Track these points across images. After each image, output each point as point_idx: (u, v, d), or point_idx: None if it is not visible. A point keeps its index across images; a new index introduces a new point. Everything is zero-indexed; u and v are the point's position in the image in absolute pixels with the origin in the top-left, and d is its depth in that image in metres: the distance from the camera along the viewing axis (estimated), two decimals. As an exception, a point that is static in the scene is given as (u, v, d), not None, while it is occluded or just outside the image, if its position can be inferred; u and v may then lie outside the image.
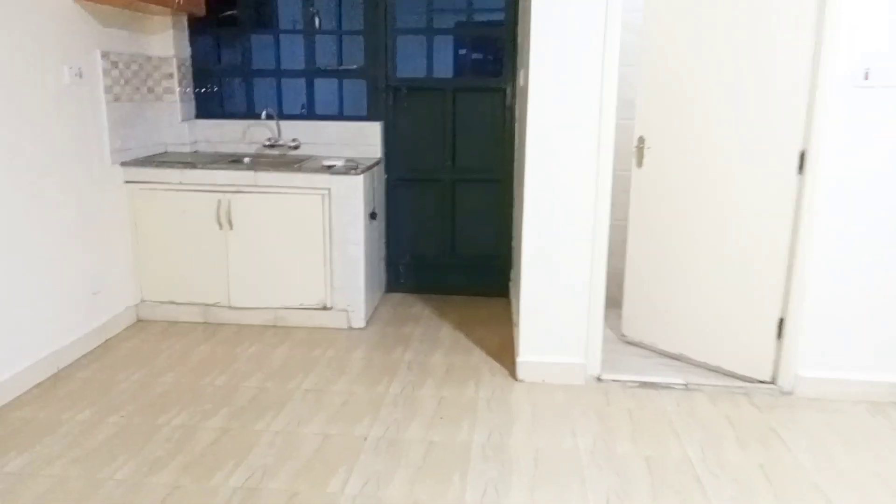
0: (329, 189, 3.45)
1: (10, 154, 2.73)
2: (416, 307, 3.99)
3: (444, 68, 3.99)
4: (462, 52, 4.00)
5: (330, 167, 3.48)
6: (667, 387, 2.91)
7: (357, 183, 3.43)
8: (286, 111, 4.10)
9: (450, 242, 4.19)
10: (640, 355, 3.20)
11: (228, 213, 3.50)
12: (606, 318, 3.56)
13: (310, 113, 4.10)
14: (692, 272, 3.04)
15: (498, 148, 4.01)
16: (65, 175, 3.07)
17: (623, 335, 3.38)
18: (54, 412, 2.64)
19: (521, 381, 2.99)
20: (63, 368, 3.04)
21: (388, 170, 4.10)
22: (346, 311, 3.59)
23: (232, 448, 2.40)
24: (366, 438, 2.49)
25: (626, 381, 2.95)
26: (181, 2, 3.45)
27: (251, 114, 4.01)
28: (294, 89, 4.10)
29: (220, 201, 3.50)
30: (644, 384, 2.93)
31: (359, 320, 3.60)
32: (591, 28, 2.67)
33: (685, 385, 2.90)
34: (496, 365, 3.16)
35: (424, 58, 3.98)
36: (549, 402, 2.79)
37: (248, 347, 3.33)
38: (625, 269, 3.35)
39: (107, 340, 3.39)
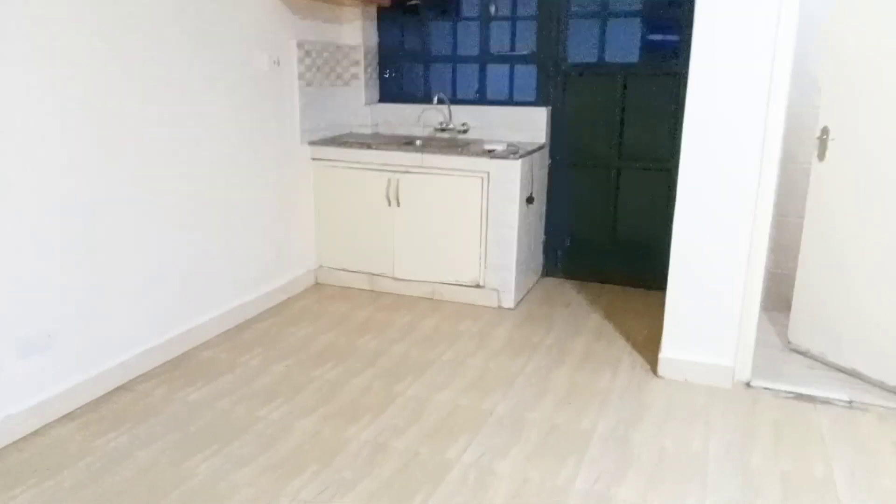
0: (488, 172, 3.56)
1: (220, 128, 3.19)
2: (570, 292, 3.98)
3: (616, 52, 3.90)
4: (637, 34, 3.87)
5: (490, 151, 3.58)
6: (826, 402, 2.64)
7: (514, 167, 3.51)
8: (459, 96, 4.27)
9: (611, 230, 4.10)
10: (803, 365, 2.93)
11: (397, 192, 3.77)
12: (774, 323, 3.31)
13: (481, 98, 4.24)
14: (873, 279, 2.71)
15: (668, 135, 3.84)
16: (261, 150, 3.52)
17: (788, 342, 3.10)
18: (233, 356, 3.07)
19: (661, 377, 2.90)
20: (247, 320, 3.51)
21: (552, 154, 4.12)
22: (496, 290, 3.70)
23: (369, 405, 2.64)
24: (492, 412, 2.58)
25: (779, 391, 2.72)
26: (365, -7, 3.74)
27: (427, 98, 4.23)
28: (468, 74, 4.26)
29: (389, 180, 3.77)
30: (800, 396, 2.69)
31: (508, 300, 3.69)
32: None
33: (849, 402, 2.61)
34: (639, 358, 3.08)
35: (597, 42, 3.91)
36: (686, 402, 2.68)
37: (404, 316, 3.57)
38: (796, 271, 3.07)
39: (287, 299, 3.83)
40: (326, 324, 3.46)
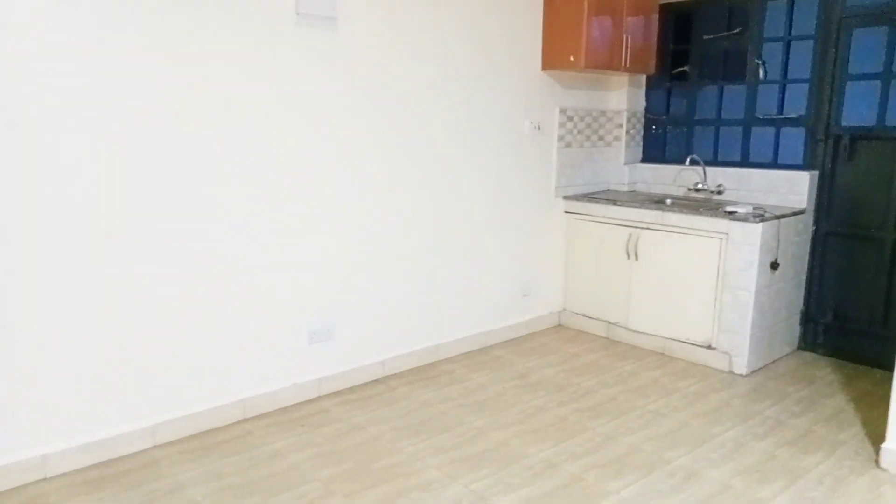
0: (727, 234, 3.59)
1: (483, 181, 3.84)
2: (823, 371, 3.70)
3: (898, 115, 3.58)
4: (925, 96, 3.50)
5: (731, 213, 3.60)
6: None
7: (755, 230, 3.48)
8: (721, 158, 4.31)
9: (883, 309, 3.70)
10: None
11: (636, 246, 3.99)
12: None
13: (743, 160, 4.22)
14: None
15: (958, 207, 3.38)
16: (519, 201, 4.08)
17: None
18: (467, 372, 3.63)
19: (883, 469, 2.63)
20: (489, 346, 4.05)
21: (817, 222, 3.90)
22: (728, 353, 3.65)
23: (559, 432, 2.94)
24: (670, 462, 2.68)
25: None
26: (627, 64, 4.08)
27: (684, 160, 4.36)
28: (732, 137, 4.28)
29: (630, 235, 4.01)
30: None
31: (740, 366, 3.61)
32: None
33: None
34: (867, 447, 2.81)
35: (876, 104, 3.65)
36: (900, 501, 2.42)
37: (628, 365, 3.75)
38: None
39: (529, 334, 4.30)
40: (553, 360, 3.83)
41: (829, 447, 2.81)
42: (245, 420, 2.99)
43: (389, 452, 2.73)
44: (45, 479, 2.49)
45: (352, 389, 3.36)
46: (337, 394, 3.31)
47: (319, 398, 3.25)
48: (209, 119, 2.73)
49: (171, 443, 2.77)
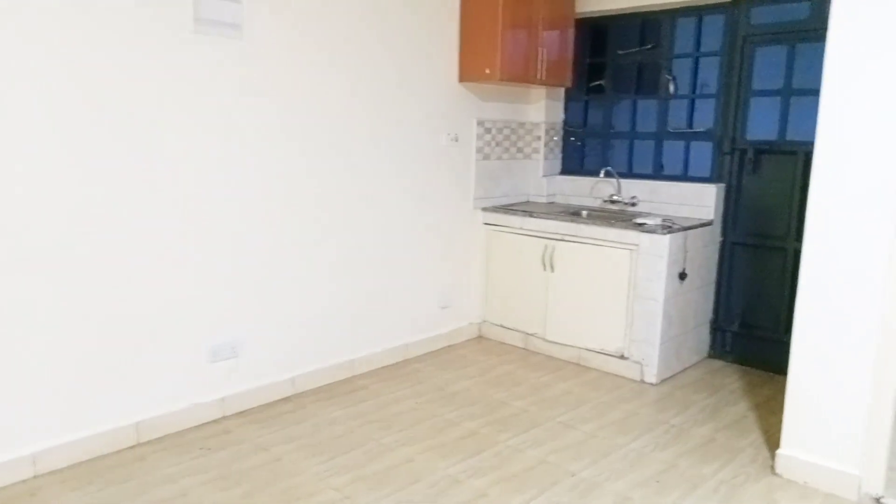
0: (637, 245, 3.65)
1: (404, 191, 3.80)
2: (729, 378, 3.79)
3: (798, 130, 3.72)
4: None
5: (640, 224, 3.67)
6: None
7: (663, 241, 3.54)
8: (636, 170, 4.39)
9: (786, 317, 3.83)
10: (964, 496, 2.49)
11: (552, 258, 4.02)
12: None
13: (655, 173, 4.31)
14: None
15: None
16: (437, 212, 4.06)
17: (960, 467, 2.65)
18: (382, 387, 3.57)
19: (777, 475, 2.70)
20: (407, 359, 4.00)
21: (724, 233, 4.01)
22: (640, 363, 3.70)
23: (467, 446, 2.91)
24: (573, 475, 2.68)
25: (912, 517, 2.38)
26: (543, 77, 4.12)
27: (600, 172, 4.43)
28: (645, 150, 4.37)
29: (546, 246, 4.04)
30: (937, 527, 2.32)
31: (651, 375, 3.67)
32: None
33: None
34: (765, 454, 2.89)
35: (778, 119, 3.79)
36: (790, 507, 2.48)
37: (542, 376, 3.76)
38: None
39: (450, 346, 4.27)
40: (470, 372, 3.81)
41: (728, 455, 2.87)
42: (139, 444, 2.85)
43: (290, 474, 2.65)
44: None
45: (259, 408, 3.26)
46: (242, 413, 3.19)
47: (223, 419, 3.13)
48: (107, 126, 2.60)
49: (54, 472, 2.61)
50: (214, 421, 3.10)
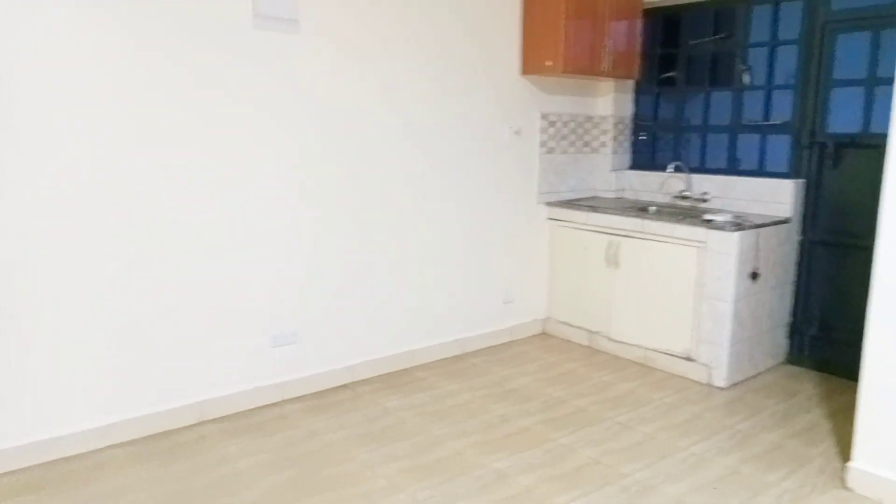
0: (705, 242, 3.50)
1: (465, 184, 3.80)
2: (805, 384, 3.58)
3: (884, 122, 3.45)
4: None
5: (709, 221, 3.51)
6: None
7: (732, 239, 3.38)
8: (709, 165, 4.21)
9: (870, 322, 3.57)
10: None
11: (616, 255, 3.91)
12: None
13: (730, 168, 4.12)
14: None
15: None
16: (499, 206, 4.03)
17: None
18: (438, 380, 3.58)
19: (848, 489, 2.52)
20: (468, 353, 3.99)
21: (804, 231, 3.79)
22: (707, 366, 3.55)
23: (520, 443, 2.87)
24: (626, 476, 2.60)
25: None
26: (609, 69, 4.01)
27: (674, 167, 4.26)
28: (719, 144, 4.19)
29: (610, 242, 3.94)
30: None
31: (719, 378, 3.51)
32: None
33: None
34: (836, 465, 2.70)
35: (861, 111, 3.54)
36: (861, 522, 2.31)
37: (605, 376, 3.67)
38: None
39: (511, 342, 4.23)
40: (529, 369, 3.76)
41: (795, 464, 2.71)
42: (201, 423, 2.98)
43: (340, 461, 2.69)
44: (-8, 479, 2.50)
45: (316, 395, 3.34)
46: (300, 399, 3.28)
47: (282, 402, 3.22)
48: (167, 123, 2.73)
49: (120, 445, 2.76)
50: (274, 404, 3.19)
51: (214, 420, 3.01)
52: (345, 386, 3.45)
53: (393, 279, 3.60)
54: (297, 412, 3.13)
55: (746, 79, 4.00)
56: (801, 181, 3.74)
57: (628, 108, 4.56)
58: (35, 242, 2.49)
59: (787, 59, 3.80)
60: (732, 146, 4.11)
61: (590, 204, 4.18)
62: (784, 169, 3.86)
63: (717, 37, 4.13)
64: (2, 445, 2.52)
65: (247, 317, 3.08)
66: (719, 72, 4.17)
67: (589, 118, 4.45)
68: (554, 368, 3.77)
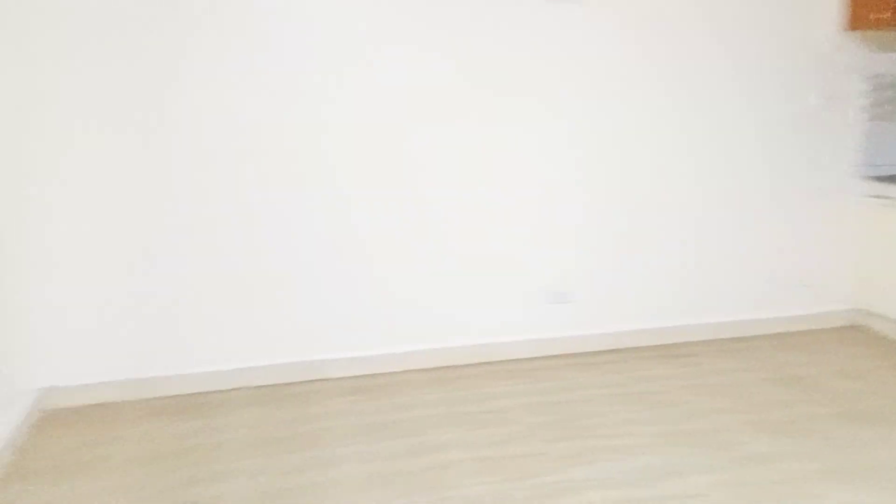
0: None
1: (759, 154, 3.57)
2: None
3: None
4: None
5: None
6: None
7: None
8: None
9: None
10: None
11: (953, 239, 3.29)
12: None
13: None
14: None
15: None
16: (801, 180, 3.66)
17: None
18: (713, 357, 3.46)
19: None
20: (749, 336, 3.76)
21: None
22: None
23: (792, 428, 2.68)
24: None
25: None
26: (964, 18, 3.34)
27: None
28: None
29: (945, 225, 3.32)
30: None
31: None
32: None
33: None
34: None
35: None
36: None
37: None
38: None
39: (806, 330, 3.84)
40: (820, 359, 3.41)
41: None
42: (478, 364, 3.37)
43: (597, 414, 2.84)
44: (323, 381, 3.20)
45: (584, 354, 3.50)
46: (568, 356, 3.48)
47: (551, 357, 3.46)
48: (469, 88, 3.13)
49: (417, 370, 3.29)
50: (542, 357, 3.45)
51: (490, 363, 3.39)
52: (613, 350, 3.56)
53: (676, 252, 3.56)
54: (564, 367, 3.34)
55: None
56: None
57: None
58: (355, 193, 3.10)
59: None
60: None
61: (923, 180, 3.56)
62: None
63: None
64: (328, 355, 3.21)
65: (529, 273, 3.38)
66: None
67: (933, 78, 3.75)
68: (852, 363, 3.36)
